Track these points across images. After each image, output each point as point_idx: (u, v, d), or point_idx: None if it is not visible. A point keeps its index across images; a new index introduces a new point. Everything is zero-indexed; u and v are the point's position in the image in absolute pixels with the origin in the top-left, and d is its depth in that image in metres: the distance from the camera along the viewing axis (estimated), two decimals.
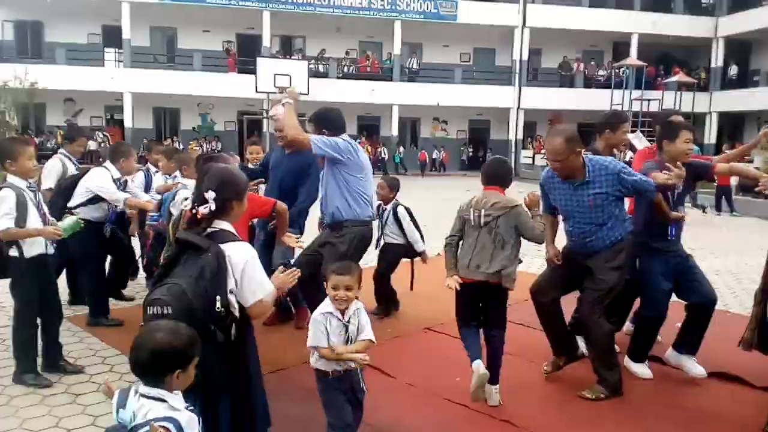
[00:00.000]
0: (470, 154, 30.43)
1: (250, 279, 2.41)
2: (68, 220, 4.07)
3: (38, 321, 4.00)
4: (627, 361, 4.27)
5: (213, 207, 2.41)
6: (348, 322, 2.82)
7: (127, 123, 25.32)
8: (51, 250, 4.01)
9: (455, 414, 3.62)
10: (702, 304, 4.05)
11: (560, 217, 4.07)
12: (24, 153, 3.86)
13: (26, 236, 3.80)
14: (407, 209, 5.42)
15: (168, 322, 1.97)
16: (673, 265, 4.02)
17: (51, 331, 4.11)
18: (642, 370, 4.20)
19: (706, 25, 28.86)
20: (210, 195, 2.41)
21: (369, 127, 29.28)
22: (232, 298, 2.37)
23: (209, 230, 2.44)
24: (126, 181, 5.22)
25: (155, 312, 2.20)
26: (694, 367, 4.11)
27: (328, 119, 4.28)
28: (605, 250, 3.76)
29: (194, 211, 2.44)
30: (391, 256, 5.44)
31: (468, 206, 3.68)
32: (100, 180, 4.91)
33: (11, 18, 26.57)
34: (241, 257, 2.40)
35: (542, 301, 4.00)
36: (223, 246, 2.37)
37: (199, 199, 2.46)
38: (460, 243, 3.74)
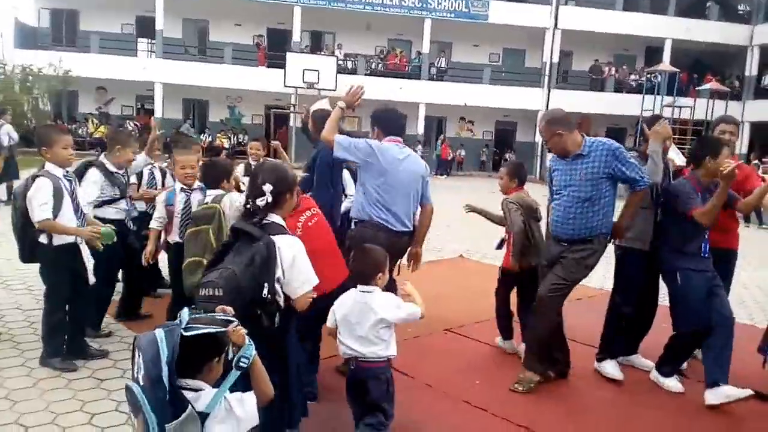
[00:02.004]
0: (495, 155, 30.17)
1: (299, 271, 2.52)
2: (106, 229, 4.01)
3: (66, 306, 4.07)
4: (655, 375, 4.20)
5: (270, 199, 2.54)
6: None
7: (158, 113, 25.62)
8: (80, 240, 4.02)
9: (473, 417, 3.62)
10: (721, 325, 3.94)
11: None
12: (59, 141, 3.91)
13: (63, 232, 3.85)
14: None
15: (207, 315, 1.99)
16: (704, 281, 3.97)
17: (78, 317, 4.17)
18: (674, 383, 4.12)
19: (741, 32, 28.29)
20: (267, 188, 2.54)
21: None
22: (278, 287, 2.48)
23: (263, 222, 2.54)
24: (127, 176, 4.87)
25: (207, 293, 2.32)
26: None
27: (381, 120, 4.15)
28: (581, 242, 3.85)
29: (248, 204, 2.57)
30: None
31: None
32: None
33: (48, 6, 27.07)
34: (290, 250, 2.51)
35: (548, 308, 4.01)
36: (274, 237, 2.48)
37: (255, 193, 2.57)
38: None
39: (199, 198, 4.17)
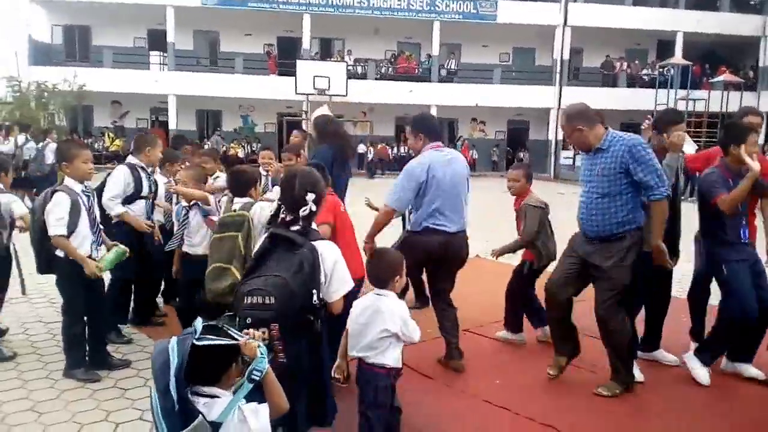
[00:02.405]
0: (508, 154, 30.04)
1: (338, 277, 2.57)
2: (112, 253, 4.08)
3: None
4: (690, 358, 4.18)
5: (314, 208, 2.57)
6: None
7: (172, 125, 25.88)
8: (96, 253, 4.08)
9: (495, 417, 3.60)
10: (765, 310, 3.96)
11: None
12: (79, 156, 3.97)
13: (71, 254, 3.88)
14: None
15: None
16: (747, 269, 3.99)
17: (96, 329, 4.21)
18: (703, 374, 4.07)
19: (754, 22, 27.95)
20: (310, 197, 2.57)
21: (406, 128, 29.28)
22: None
23: (296, 228, 2.55)
24: (154, 178, 5.01)
25: (256, 301, 2.33)
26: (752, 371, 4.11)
27: (424, 126, 4.32)
28: (610, 241, 3.71)
29: (283, 213, 2.58)
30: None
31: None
32: (107, 187, 4.74)
33: (61, 23, 27.45)
34: (331, 255, 2.56)
35: (558, 299, 3.98)
36: (315, 243, 2.51)
37: (294, 202, 2.57)
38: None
39: (198, 214, 4.29)
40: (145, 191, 4.88)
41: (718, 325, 4.11)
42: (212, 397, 1.84)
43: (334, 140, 5.10)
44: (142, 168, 4.90)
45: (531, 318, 4.87)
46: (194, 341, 1.78)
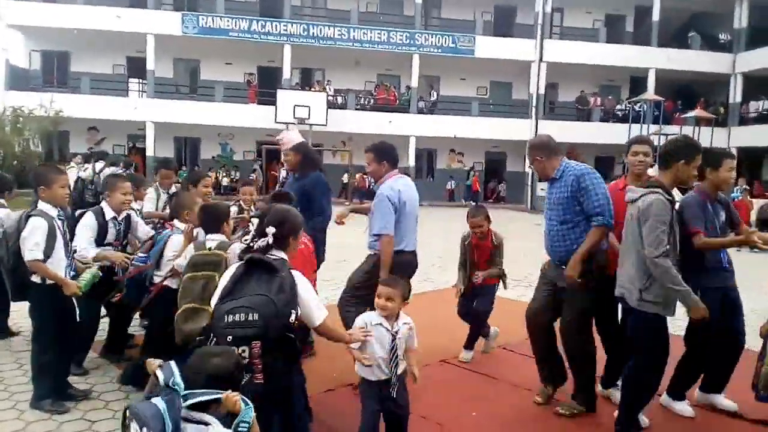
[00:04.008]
0: (487, 183, 30.43)
1: (315, 303, 2.73)
2: (88, 274, 3.95)
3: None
4: (666, 400, 4.18)
5: (270, 240, 2.71)
6: (396, 332, 3.11)
7: (149, 152, 25.73)
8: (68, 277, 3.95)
9: None
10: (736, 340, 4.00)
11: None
12: (58, 181, 3.92)
13: (49, 277, 3.77)
14: None
15: (219, 347, 2.07)
16: (722, 295, 3.92)
17: (65, 356, 4.12)
18: (684, 408, 4.10)
19: (723, 60, 28.87)
20: (270, 230, 2.73)
21: None
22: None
23: (272, 257, 2.70)
24: (128, 217, 4.70)
25: (238, 319, 2.40)
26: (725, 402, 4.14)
27: (389, 155, 4.46)
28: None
29: (251, 243, 2.75)
30: None
31: None
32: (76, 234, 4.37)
33: (39, 48, 27.34)
34: (304, 284, 2.70)
35: (538, 324, 4.12)
36: (291, 270, 2.66)
37: (259, 233, 2.77)
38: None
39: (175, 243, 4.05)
40: (109, 238, 4.52)
41: (685, 357, 4.12)
42: (203, 423, 1.86)
43: (317, 166, 5.10)
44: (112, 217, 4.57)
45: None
46: (181, 401, 1.86)
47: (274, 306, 2.44)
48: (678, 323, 4.26)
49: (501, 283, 5.14)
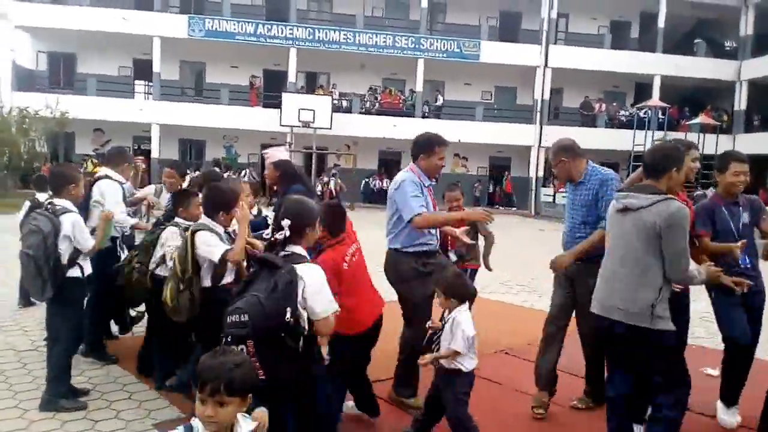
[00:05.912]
0: (489, 189, 30.47)
1: (321, 297, 2.67)
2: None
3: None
4: (719, 408, 4.07)
5: (287, 233, 2.71)
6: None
7: (154, 153, 25.83)
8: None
9: None
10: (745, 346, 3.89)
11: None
12: (81, 179, 4.15)
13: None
14: None
15: (235, 354, 2.09)
16: (735, 298, 3.74)
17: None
18: (732, 418, 3.99)
19: (729, 68, 28.85)
20: (285, 223, 2.72)
21: (390, 162, 29.51)
22: (304, 313, 2.61)
23: (283, 253, 2.72)
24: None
25: (234, 319, 2.47)
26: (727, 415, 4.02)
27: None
28: (591, 260, 3.69)
29: (272, 237, 2.77)
30: None
31: None
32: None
33: (46, 49, 27.49)
34: (311, 277, 2.64)
35: (557, 326, 4.14)
36: (296, 266, 2.63)
37: (277, 226, 2.77)
38: None
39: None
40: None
41: (724, 364, 4.05)
42: None
43: (297, 180, 4.67)
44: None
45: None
46: None
47: (261, 307, 2.47)
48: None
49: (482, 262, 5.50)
